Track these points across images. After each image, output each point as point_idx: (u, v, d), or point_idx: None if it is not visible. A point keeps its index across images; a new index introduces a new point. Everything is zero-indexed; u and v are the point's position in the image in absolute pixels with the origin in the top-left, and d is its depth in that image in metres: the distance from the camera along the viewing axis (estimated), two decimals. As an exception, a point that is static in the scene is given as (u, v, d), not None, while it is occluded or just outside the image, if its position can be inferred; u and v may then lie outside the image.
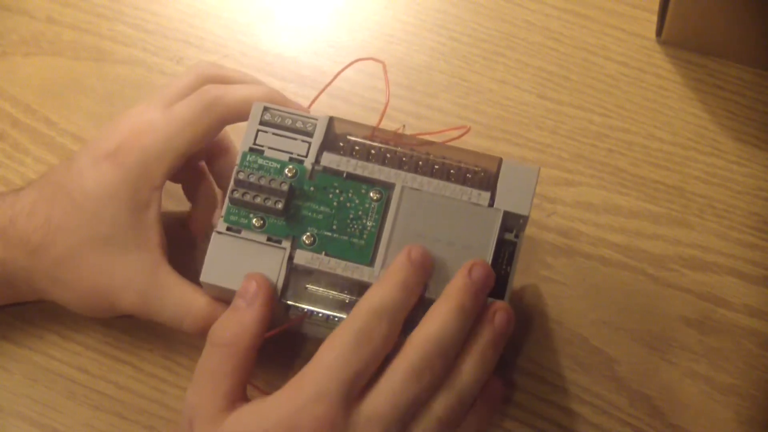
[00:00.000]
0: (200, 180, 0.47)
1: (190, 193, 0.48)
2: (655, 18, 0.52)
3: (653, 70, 0.52)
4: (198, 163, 0.47)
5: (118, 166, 0.41)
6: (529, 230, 0.48)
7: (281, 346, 0.46)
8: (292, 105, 0.44)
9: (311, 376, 0.36)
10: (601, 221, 0.48)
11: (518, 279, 0.47)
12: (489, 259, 0.40)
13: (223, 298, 0.42)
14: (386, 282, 0.38)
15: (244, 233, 0.40)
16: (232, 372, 0.38)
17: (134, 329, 0.47)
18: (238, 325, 0.38)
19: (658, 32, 0.52)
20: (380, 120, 0.42)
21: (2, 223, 0.42)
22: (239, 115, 0.43)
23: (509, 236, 0.41)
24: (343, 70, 0.46)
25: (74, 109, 0.52)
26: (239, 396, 0.38)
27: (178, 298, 0.42)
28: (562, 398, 0.45)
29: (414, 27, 0.54)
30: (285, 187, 0.40)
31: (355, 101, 0.51)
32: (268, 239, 0.40)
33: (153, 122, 0.42)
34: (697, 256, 0.47)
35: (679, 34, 0.51)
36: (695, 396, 0.45)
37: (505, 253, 0.41)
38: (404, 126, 0.51)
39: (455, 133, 0.46)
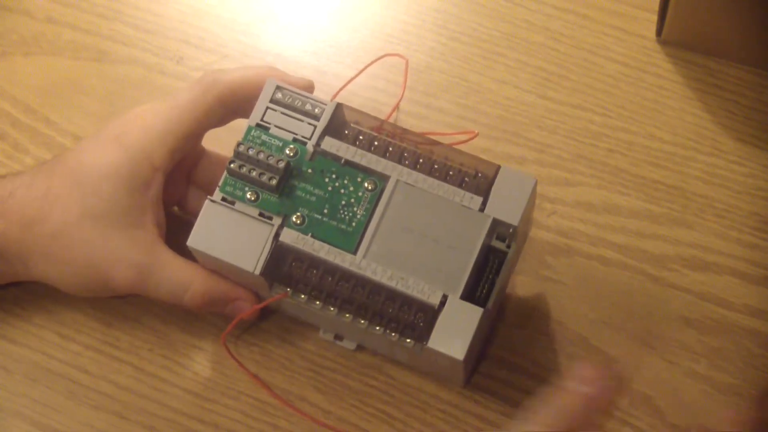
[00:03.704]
0: (198, 160, 0.47)
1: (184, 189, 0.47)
2: (655, 18, 0.52)
3: (653, 70, 0.52)
4: (197, 146, 0.47)
5: (120, 146, 0.42)
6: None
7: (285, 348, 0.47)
8: (292, 81, 0.44)
9: None
10: (601, 221, 0.48)
11: (518, 279, 0.47)
12: (471, 263, 0.40)
13: (215, 268, 0.43)
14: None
15: (237, 205, 0.41)
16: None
17: (134, 329, 0.47)
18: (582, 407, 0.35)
19: (658, 32, 0.52)
20: (391, 113, 0.42)
21: (1, 195, 0.43)
22: (238, 94, 0.43)
23: (500, 245, 0.40)
24: (371, 63, 0.47)
25: (74, 109, 0.52)
26: None
27: (177, 273, 0.42)
28: (562, 398, 0.45)
29: (414, 27, 0.54)
30: (281, 165, 0.40)
31: (355, 101, 0.51)
32: (260, 214, 0.41)
33: (156, 108, 0.43)
34: (697, 256, 0.47)
35: (679, 34, 0.51)
36: (695, 396, 0.45)
37: (494, 261, 0.40)
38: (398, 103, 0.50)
39: (462, 137, 0.46)
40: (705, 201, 0.49)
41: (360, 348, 0.45)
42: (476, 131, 0.41)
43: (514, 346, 0.46)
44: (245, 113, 0.43)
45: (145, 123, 0.43)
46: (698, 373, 0.45)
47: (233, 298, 0.43)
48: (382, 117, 0.50)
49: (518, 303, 0.47)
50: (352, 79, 0.47)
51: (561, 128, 0.51)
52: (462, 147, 0.42)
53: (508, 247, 0.40)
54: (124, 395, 0.46)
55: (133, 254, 0.42)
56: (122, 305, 0.47)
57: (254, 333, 0.47)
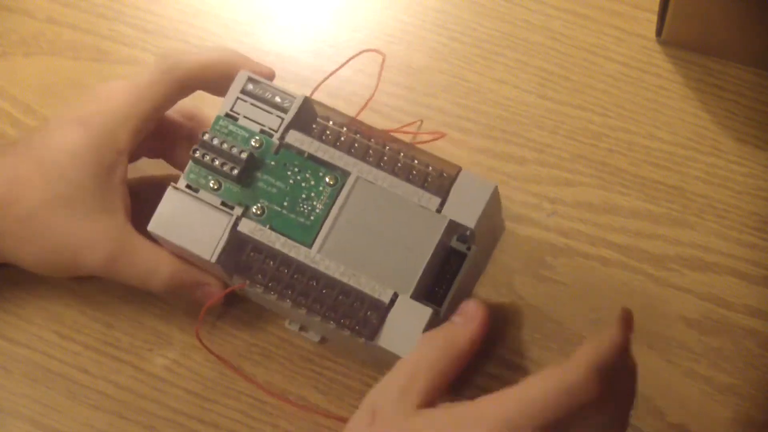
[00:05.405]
0: (178, 128, 0.47)
1: (170, 150, 0.48)
2: (655, 18, 0.52)
3: (653, 70, 0.52)
4: (171, 118, 0.47)
5: (84, 129, 0.42)
6: (529, 230, 0.48)
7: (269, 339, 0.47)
8: (256, 67, 0.45)
9: (518, 398, 0.35)
10: (601, 221, 0.48)
11: (518, 279, 0.47)
12: (424, 263, 0.40)
13: (178, 253, 0.43)
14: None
15: (201, 193, 0.42)
16: (440, 373, 0.38)
17: (134, 329, 0.47)
18: (452, 334, 0.39)
19: (658, 32, 0.52)
20: (362, 109, 0.43)
21: None
22: (197, 78, 0.44)
23: (460, 246, 0.41)
24: (348, 61, 0.47)
25: (74, 109, 0.52)
26: (434, 399, 0.37)
27: (145, 258, 0.43)
28: (562, 398, 0.45)
29: (414, 27, 0.54)
30: (244, 156, 0.41)
31: (355, 100, 0.51)
32: (222, 203, 0.41)
33: (119, 89, 0.43)
34: (697, 256, 0.47)
35: (679, 34, 0.51)
36: (695, 396, 0.45)
37: (455, 262, 0.41)
38: (421, 121, 0.51)
39: (427, 137, 0.46)
40: (705, 201, 0.49)
41: (324, 340, 0.45)
42: (444, 132, 0.41)
43: (514, 346, 0.46)
44: (208, 90, 0.44)
45: (108, 105, 0.43)
46: (698, 373, 0.45)
47: (201, 283, 0.44)
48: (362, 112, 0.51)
49: (518, 303, 0.47)
50: (330, 74, 0.47)
51: (561, 128, 0.51)
52: (461, 147, 0.43)
53: (468, 249, 0.41)
54: (124, 395, 0.46)
55: (102, 239, 0.43)
56: (122, 305, 0.47)
57: (254, 333, 0.47)
